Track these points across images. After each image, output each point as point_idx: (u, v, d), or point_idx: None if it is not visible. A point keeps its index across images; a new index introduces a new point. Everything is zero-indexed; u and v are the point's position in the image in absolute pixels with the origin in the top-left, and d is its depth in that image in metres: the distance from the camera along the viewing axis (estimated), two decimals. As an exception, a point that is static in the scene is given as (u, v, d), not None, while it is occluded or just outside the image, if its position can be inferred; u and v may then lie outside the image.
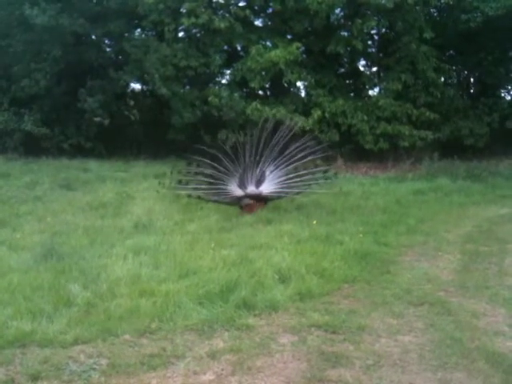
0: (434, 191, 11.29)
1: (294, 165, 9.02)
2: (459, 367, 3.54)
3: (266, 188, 8.80)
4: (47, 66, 15.94)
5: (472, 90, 20.01)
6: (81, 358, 3.61)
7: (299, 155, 8.97)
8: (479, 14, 15.19)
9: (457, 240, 7.26)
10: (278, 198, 9.08)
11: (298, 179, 9.03)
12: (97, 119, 17.21)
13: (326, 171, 9.42)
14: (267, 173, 8.90)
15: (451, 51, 18.95)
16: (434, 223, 8.41)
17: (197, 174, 9.28)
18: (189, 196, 9.16)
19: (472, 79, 20.27)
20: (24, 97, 16.01)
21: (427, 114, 16.14)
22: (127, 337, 3.93)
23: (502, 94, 19.97)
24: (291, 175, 8.99)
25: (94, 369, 3.48)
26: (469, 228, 8.10)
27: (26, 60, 16.00)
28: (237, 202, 8.85)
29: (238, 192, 8.72)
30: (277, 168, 8.93)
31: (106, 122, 17.32)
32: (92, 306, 4.40)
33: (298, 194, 9.17)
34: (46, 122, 16.08)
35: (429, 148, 15.99)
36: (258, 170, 8.78)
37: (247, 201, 8.65)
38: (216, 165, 8.81)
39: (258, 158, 8.74)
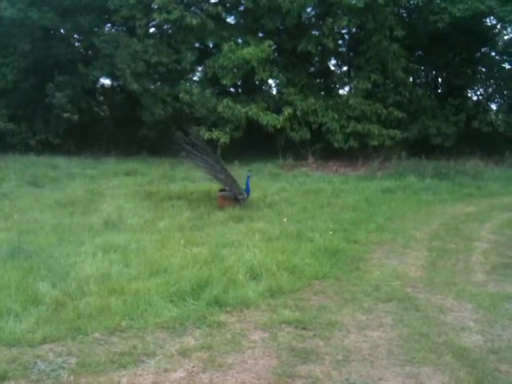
0: (402, 189, 11.43)
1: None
2: (427, 362, 3.61)
3: None
4: (15, 61, 15.64)
5: (440, 90, 20.40)
6: (49, 357, 3.56)
7: None
8: (447, 15, 15.49)
9: (424, 237, 7.39)
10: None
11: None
12: (65, 115, 16.91)
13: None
14: None
15: (420, 52, 19.30)
16: (403, 221, 8.54)
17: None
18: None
19: (440, 79, 20.67)
20: (-10, 91, 15.68)
21: (396, 113, 16.38)
22: (97, 335, 3.89)
23: (469, 95, 20.43)
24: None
25: (63, 368, 3.43)
26: (436, 226, 8.24)
27: (-7, 54, 15.67)
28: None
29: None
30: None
31: (75, 117, 17.02)
32: (61, 305, 4.33)
33: None
34: (13, 118, 15.77)
35: (397, 147, 16.25)
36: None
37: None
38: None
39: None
